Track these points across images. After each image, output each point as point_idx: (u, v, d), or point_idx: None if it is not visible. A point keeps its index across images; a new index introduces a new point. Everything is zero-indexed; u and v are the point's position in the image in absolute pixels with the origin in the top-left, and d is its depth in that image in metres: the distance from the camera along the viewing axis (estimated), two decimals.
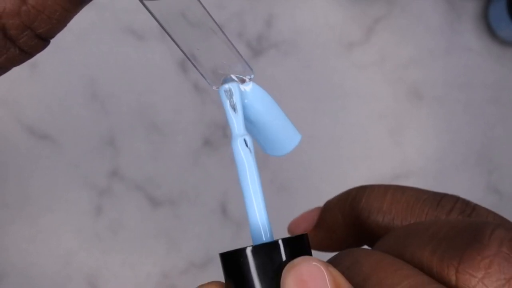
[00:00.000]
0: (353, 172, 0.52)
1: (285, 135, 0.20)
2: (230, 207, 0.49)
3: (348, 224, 0.21)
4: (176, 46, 0.18)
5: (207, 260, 0.48)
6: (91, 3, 0.17)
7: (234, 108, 0.18)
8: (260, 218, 0.18)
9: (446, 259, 0.16)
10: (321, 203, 0.51)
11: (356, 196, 0.21)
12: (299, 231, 0.23)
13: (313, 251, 0.23)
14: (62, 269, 0.47)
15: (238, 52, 0.19)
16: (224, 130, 0.49)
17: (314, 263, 0.15)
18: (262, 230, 0.18)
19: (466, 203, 0.19)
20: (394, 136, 0.52)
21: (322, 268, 0.15)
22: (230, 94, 0.19)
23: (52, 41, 0.17)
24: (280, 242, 0.17)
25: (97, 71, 0.48)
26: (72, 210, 0.47)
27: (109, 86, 0.48)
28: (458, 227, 0.16)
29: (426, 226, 0.17)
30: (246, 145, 0.18)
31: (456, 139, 0.53)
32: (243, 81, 0.19)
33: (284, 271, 0.16)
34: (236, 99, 0.19)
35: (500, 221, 0.18)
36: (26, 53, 0.17)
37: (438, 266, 0.16)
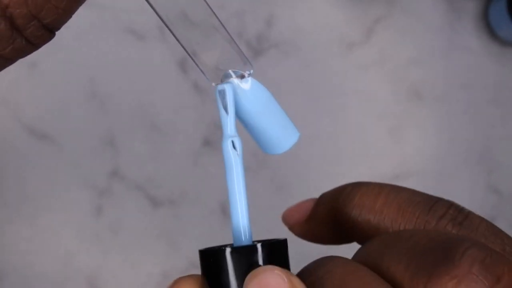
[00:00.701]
0: (353, 171, 0.51)
1: (284, 132, 0.20)
2: None
3: (339, 220, 0.21)
4: (176, 45, 0.19)
5: None
6: (91, 3, 0.17)
7: (226, 109, 0.19)
8: (242, 219, 0.19)
9: (416, 276, 0.15)
10: None
11: (350, 192, 0.21)
12: (292, 221, 0.23)
13: (309, 243, 0.23)
14: (62, 269, 0.47)
15: (239, 47, 0.19)
16: None
17: (276, 272, 0.16)
18: (242, 231, 0.19)
19: (459, 210, 0.19)
20: (394, 136, 0.52)
21: (285, 278, 0.16)
22: (223, 94, 0.19)
23: (52, 40, 0.17)
24: (258, 246, 0.17)
25: (97, 71, 0.48)
26: (72, 210, 0.47)
27: (109, 86, 0.48)
28: (435, 242, 0.16)
29: (407, 236, 0.17)
30: (234, 147, 0.19)
31: (456, 139, 0.53)
32: (242, 76, 0.19)
33: (247, 278, 0.16)
34: (229, 100, 0.19)
35: (486, 234, 0.18)
36: (32, 44, 0.17)
37: (408, 282, 0.16)
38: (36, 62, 0.47)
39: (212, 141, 0.49)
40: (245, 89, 0.19)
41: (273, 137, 0.20)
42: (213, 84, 0.19)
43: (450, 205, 0.19)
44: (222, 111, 0.19)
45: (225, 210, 0.49)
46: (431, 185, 0.53)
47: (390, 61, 0.52)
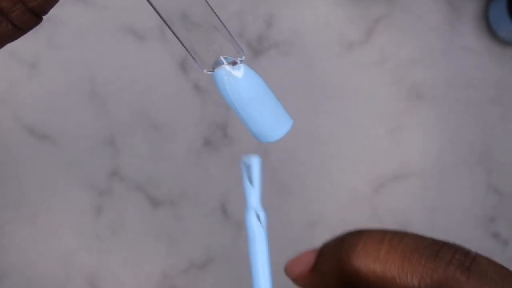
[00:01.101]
0: (353, 172, 0.51)
1: (277, 120, 0.20)
2: (230, 207, 0.49)
3: (344, 271, 0.20)
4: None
5: (207, 260, 0.48)
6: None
7: (251, 182, 0.19)
8: None
9: None
10: (320, 203, 0.51)
11: (352, 242, 0.20)
12: (295, 273, 0.23)
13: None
14: (62, 269, 0.47)
15: (230, 34, 0.19)
16: (224, 130, 0.49)
17: None
18: None
19: (465, 254, 0.19)
20: (394, 136, 0.52)
21: None
22: (249, 167, 0.19)
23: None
24: None
25: (97, 71, 0.48)
26: (72, 210, 0.47)
27: (109, 86, 0.48)
28: None
29: None
30: (259, 220, 0.19)
31: (456, 139, 0.53)
32: (234, 63, 0.19)
33: None
34: (255, 173, 0.19)
35: (495, 278, 0.18)
36: (18, 29, 0.17)
37: None
38: (36, 62, 0.47)
39: (212, 141, 0.49)
40: (237, 76, 0.19)
41: (267, 124, 0.20)
42: (205, 71, 0.19)
43: (455, 249, 0.19)
44: (247, 183, 0.19)
45: (225, 210, 0.49)
46: (431, 185, 0.53)
47: (390, 61, 0.52)
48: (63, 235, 0.47)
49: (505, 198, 0.54)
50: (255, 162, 0.19)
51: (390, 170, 0.52)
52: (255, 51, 0.50)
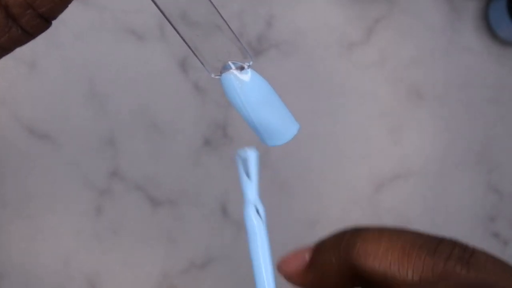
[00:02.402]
0: (353, 171, 0.51)
1: (284, 124, 0.20)
2: (230, 207, 0.49)
3: (343, 269, 0.20)
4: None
5: (207, 260, 0.48)
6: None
7: (248, 176, 0.19)
8: (268, 283, 0.19)
9: None
10: (320, 202, 0.51)
11: (350, 241, 0.20)
12: (290, 270, 0.22)
13: None
14: (62, 269, 0.47)
15: (238, 40, 0.19)
16: (224, 130, 0.49)
17: None
18: None
19: (464, 249, 0.19)
20: (394, 136, 0.52)
21: None
22: (246, 161, 0.19)
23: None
24: None
25: (97, 71, 0.48)
26: (72, 210, 0.47)
27: (109, 86, 0.48)
28: None
29: None
30: (258, 213, 0.19)
31: (456, 139, 0.53)
32: (242, 68, 0.19)
33: None
34: (252, 167, 0.19)
35: (496, 272, 0.18)
36: (28, 34, 0.17)
37: None
38: (35, 62, 0.47)
39: (212, 141, 0.49)
40: (244, 80, 0.19)
41: (273, 128, 0.20)
42: (213, 75, 0.19)
43: (454, 244, 0.19)
44: (244, 177, 0.19)
45: (225, 210, 0.49)
46: (431, 185, 0.53)
47: (390, 61, 0.52)
48: (63, 235, 0.47)
49: (505, 198, 0.54)
50: (251, 155, 0.19)
51: (390, 170, 0.52)
52: (255, 51, 0.50)
